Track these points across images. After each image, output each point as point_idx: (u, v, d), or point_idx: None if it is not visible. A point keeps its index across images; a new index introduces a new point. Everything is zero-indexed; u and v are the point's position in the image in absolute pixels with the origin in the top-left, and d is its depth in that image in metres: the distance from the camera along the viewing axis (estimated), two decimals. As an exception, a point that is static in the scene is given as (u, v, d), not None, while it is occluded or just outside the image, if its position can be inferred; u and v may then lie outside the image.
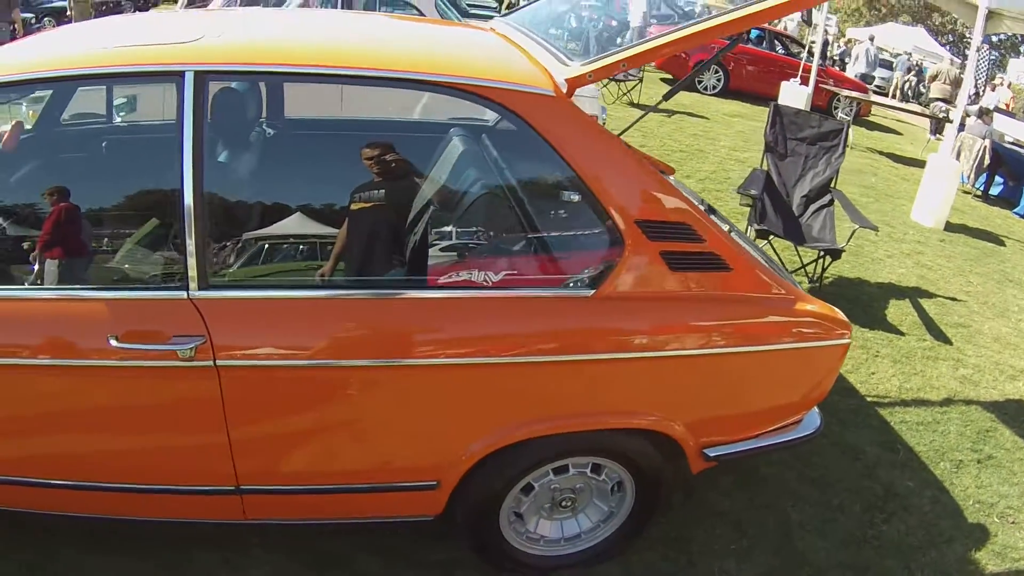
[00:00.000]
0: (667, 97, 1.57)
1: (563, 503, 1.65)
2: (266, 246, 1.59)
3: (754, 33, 9.34)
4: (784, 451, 2.13)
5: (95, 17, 8.71)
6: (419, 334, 1.35)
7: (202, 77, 1.35)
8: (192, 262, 1.34)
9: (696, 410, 1.60)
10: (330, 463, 1.49)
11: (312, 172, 1.78)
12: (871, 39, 11.72)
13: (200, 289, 1.35)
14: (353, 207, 1.59)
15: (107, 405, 1.46)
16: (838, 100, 8.52)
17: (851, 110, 7.95)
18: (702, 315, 1.51)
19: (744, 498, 2.13)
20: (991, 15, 4.67)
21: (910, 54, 12.65)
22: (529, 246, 1.50)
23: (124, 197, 1.68)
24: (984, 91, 8.49)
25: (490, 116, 2.32)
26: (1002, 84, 9.35)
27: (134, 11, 11.96)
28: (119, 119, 2.35)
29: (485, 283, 1.39)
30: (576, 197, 1.38)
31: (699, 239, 1.48)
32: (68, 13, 8.42)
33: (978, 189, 6.39)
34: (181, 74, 1.36)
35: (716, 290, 1.54)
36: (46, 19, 8.90)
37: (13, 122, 1.93)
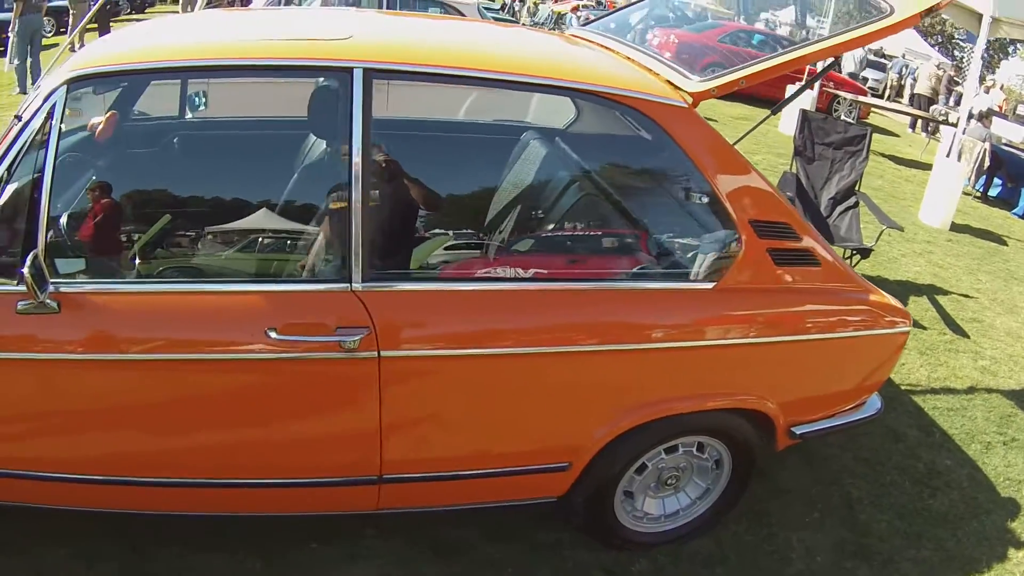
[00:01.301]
0: (775, 111, 1.81)
1: (668, 481, 1.87)
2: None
3: (757, 38, 9.67)
4: (837, 434, 2.38)
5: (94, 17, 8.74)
6: (563, 323, 1.53)
7: (370, 74, 1.45)
8: (357, 255, 1.45)
9: (788, 391, 1.84)
10: (473, 449, 1.63)
11: (434, 169, 1.94)
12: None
13: (364, 281, 1.46)
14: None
15: (259, 399, 1.55)
16: (838, 103, 8.91)
17: (852, 112, 8.33)
18: (800, 306, 1.76)
19: (808, 476, 2.38)
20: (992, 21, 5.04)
21: (904, 56, 13.20)
22: (649, 243, 1.71)
23: (282, 190, 1.81)
24: (976, 93, 8.96)
25: (561, 121, 2.55)
26: (994, 86, 9.87)
27: (130, 11, 11.91)
28: (191, 115, 2.49)
29: (617, 276, 1.60)
30: (704, 199, 1.60)
31: (797, 237, 1.72)
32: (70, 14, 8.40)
33: (978, 190, 6.81)
34: (350, 71, 1.45)
35: (808, 283, 1.77)
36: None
37: (109, 113, 1.96)
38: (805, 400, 1.90)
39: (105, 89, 1.85)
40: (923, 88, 9.02)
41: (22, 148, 1.46)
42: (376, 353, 1.44)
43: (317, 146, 2.06)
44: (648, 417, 1.61)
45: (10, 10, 6.58)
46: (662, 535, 1.93)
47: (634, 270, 1.62)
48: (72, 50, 8.54)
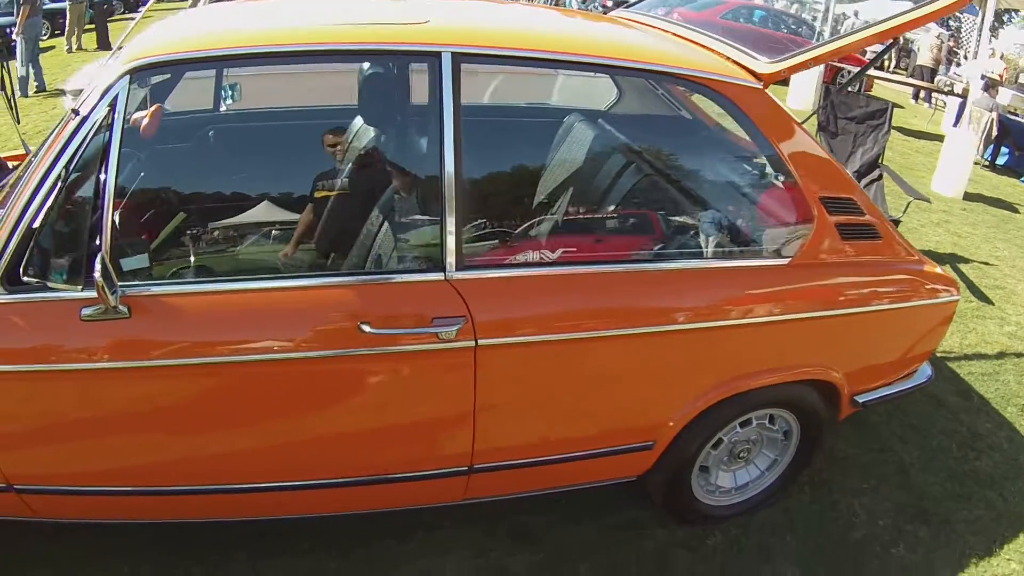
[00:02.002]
0: (842, 87, 1.86)
1: (740, 454, 1.96)
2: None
3: (758, 14, 9.70)
4: (884, 403, 2.47)
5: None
6: (652, 303, 1.58)
7: (459, 58, 1.44)
8: (451, 243, 1.44)
9: (853, 361, 1.92)
10: (561, 434, 1.67)
11: (505, 153, 1.95)
12: (856, 14, 12.26)
13: (458, 270, 1.46)
14: None
15: (351, 396, 1.53)
16: (842, 75, 8.96)
17: (857, 85, 8.39)
18: (866, 278, 1.82)
19: (861, 445, 2.48)
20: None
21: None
22: (721, 221, 1.76)
23: (368, 179, 1.81)
24: (973, 59, 9.03)
25: (594, 102, 2.59)
26: (993, 55, 9.97)
27: (123, 11, 11.76)
28: (225, 107, 2.49)
29: (696, 255, 1.66)
30: (780, 178, 1.66)
31: (861, 212, 1.79)
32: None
33: (986, 159, 6.92)
34: (438, 55, 1.44)
35: (871, 256, 1.85)
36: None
37: (154, 106, 1.93)
38: (867, 369, 1.98)
39: (170, 78, 1.83)
40: (925, 59, 9.11)
41: (81, 144, 1.41)
42: (473, 342, 1.45)
43: (364, 133, 2.06)
44: (729, 392, 1.68)
45: (6, 14, 6.51)
46: (733, 507, 2.02)
47: (712, 248, 1.68)
48: (68, 51, 8.49)
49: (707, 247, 1.68)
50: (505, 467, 1.65)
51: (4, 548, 1.78)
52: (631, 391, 1.66)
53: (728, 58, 1.72)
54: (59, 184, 1.40)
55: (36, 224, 1.38)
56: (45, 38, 7.84)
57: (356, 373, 1.49)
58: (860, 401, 2.00)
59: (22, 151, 2.70)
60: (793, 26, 10.54)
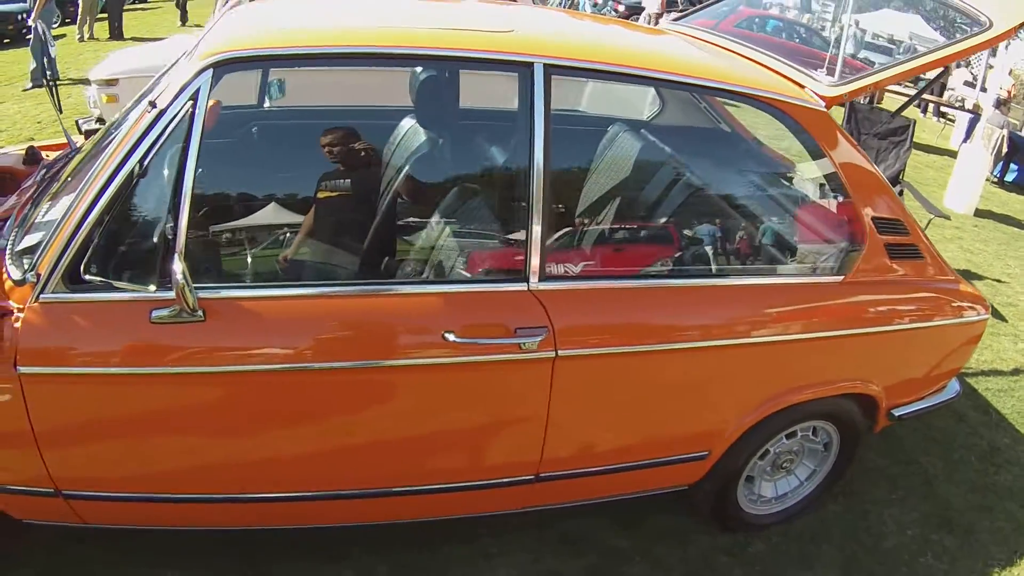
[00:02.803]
0: (899, 111, 1.95)
1: (783, 464, 2.06)
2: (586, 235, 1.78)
3: (771, 24, 9.80)
4: (917, 416, 2.57)
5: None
6: (717, 317, 1.66)
7: (550, 69, 1.48)
8: (535, 254, 1.48)
9: (892, 376, 2.03)
10: (625, 443, 1.73)
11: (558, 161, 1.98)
12: (856, 23, 12.39)
13: (541, 281, 1.51)
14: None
15: (430, 404, 1.55)
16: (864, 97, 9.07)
17: (867, 98, 8.52)
18: (911, 296, 1.92)
19: (889, 456, 2.59)
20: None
21: (911, 39, 13.41)
22: (782, 238, 1.85)
23: (449, 188, 1.83)
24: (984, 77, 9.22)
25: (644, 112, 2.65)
26: (1002, 70, 10.16)
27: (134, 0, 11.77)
28: (268, 104, 2.51)
29: (759, 271, 1.74)
30: (839, 197, 1.75)
31: (907, 232, 1.89)
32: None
33: (995, 176, 7.07)
34: (531, 65, 1.48)
35: (915, 275, 1.94)
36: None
37: (212, 101, 1.98)
38: (904, 384, 2.09)
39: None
40: (933, 73, 9.24)
41: (158, 139, 1.39)
42: (553, 353, 1.49)
43: (414, 135, 2.07)
44: (782, 405, 1.79)
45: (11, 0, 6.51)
46: (773, 516, 2.13)
47: (774, 265, 1.76)
48: (80, 40, 8.48)
49: (768, 263, 1.76)
50: (569, 476, 1.71)
51: (57, 553, 1.82)
52: (693, 402, 1.75)
53: (791, 79, 1.81)
54: (133, 179, 1.39)
55: (101, 220, 1.36)
56: (56, 26, 7.84)
57: (437, 382, 1.52)
58: (896, 415, 2.11)
59: (48, 140, 2.72)
60: (805, 36, 10.69)
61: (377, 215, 1.86)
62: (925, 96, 9.62)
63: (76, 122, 4.61)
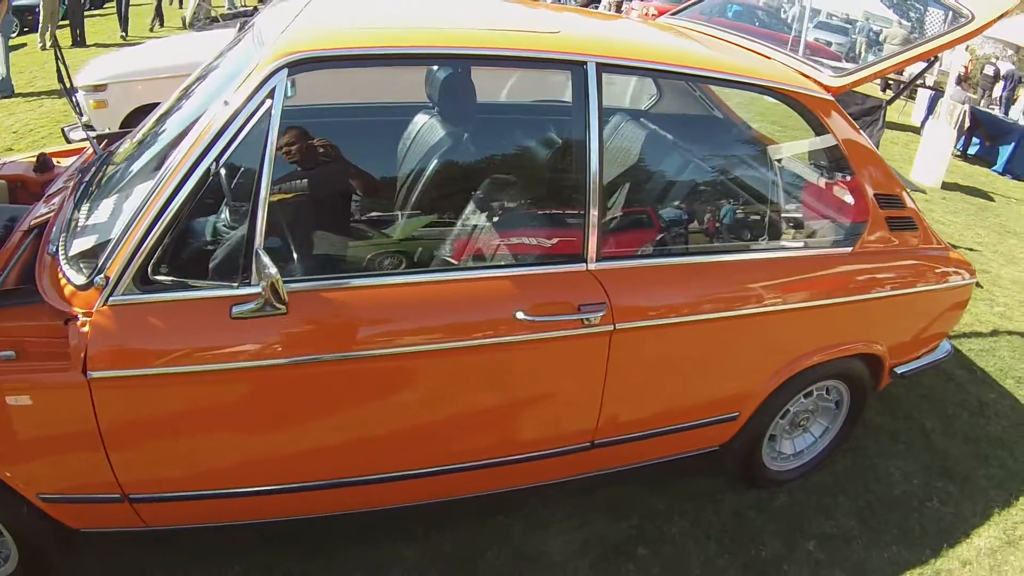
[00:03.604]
0: (892, 100, 2.16)
1: (800, 423, 2.26)
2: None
3: (732, 9, 10.09)
4: (917, 373, 2.80)
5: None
6: (750, 288, 1.83)
7: (601, 68, 1.60)
8: (592, 237, 1.61)
9: (895, 337, 2.26)
10: (668, 407, 1.89)
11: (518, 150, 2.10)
12: (810, 5, 12.84)
13: (597, 261, 1.65)
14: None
15: (501, 380, 1.65)
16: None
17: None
18: (910, 264, 2.14)
19: (887, 414, 2.84)
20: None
21: (867, 19, 13.97)
22: (802, 214, 2.04)
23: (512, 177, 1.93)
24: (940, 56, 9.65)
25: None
26: (960, 48, 10.67)
27: (89, 7, 11.46)
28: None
29: (783, 246, 1.93)
30: (848, 177, 1.95)
31: (904, 206, 2.10)
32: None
33: (958, 149, 7.49)
34: (584, 64, 1.59)
35: (911, 245, 2.16)
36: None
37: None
38: (904, 344, 2.31)
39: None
40: (888, 53, 9.66)
41: (234, 137, 1.42)
42: (611, 327, 1.64)
43: (432, 129, 2.14)
44: (804, 366, 1.98)
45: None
46: (792, 472, 2.34)
47: (792, 238, 1.96)
48: (43, 48, 8.29)
49: (790, 238, 1.95)
50: (620, 441, 1.86)
51: (112, 559, 1.87)
52: (728, 367, 1.92)
53: (799, 71, 2.00)
54: (208, 177, 1.42)
55: (176, 219, 1.39)
56: (15, 36, 7.65)
57: (509, 359, 1.62)
58: (899, 372, 2.33)
59: (56, 147, 2.72)
60: (765, 19, 11.06)
61: (408, 206, 1.95)
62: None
63: (62, 129, 4.58)
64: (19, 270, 1.67)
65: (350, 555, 1.94)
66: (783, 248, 1.94)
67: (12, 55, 6.64)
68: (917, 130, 8.73)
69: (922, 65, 2.94)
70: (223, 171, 1.49)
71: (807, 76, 1.99)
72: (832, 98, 1.92)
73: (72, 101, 2.35)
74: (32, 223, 1.85)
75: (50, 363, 1.44)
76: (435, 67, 2.11)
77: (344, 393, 1.58)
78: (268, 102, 1.43)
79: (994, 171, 7.19)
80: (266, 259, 1.34)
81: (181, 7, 13.60)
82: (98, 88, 4.24)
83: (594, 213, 1.62)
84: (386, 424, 1.64)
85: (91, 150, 2.40)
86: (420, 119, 2.28)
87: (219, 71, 2.06)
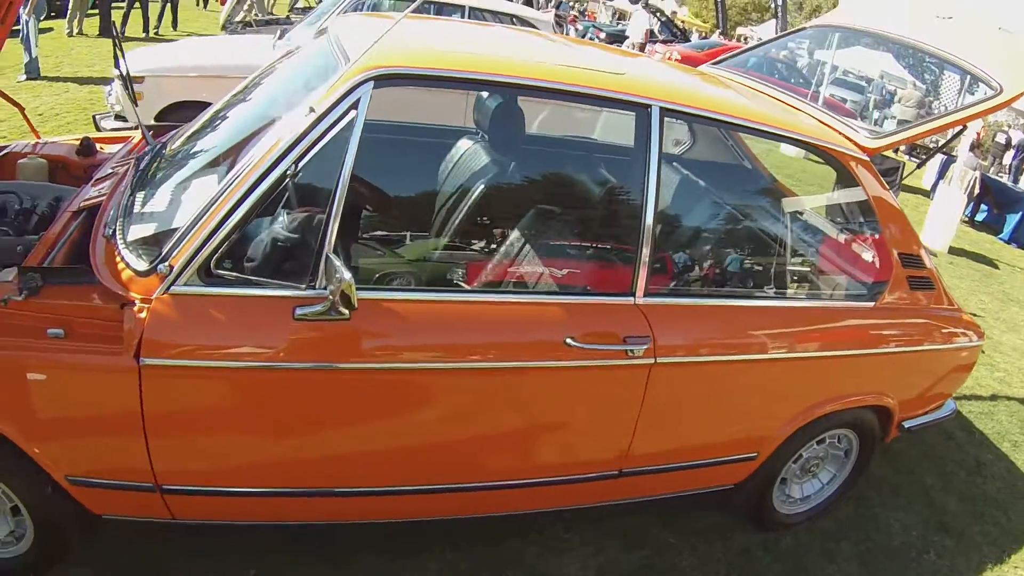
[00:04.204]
0: (921, 165, 2.34)
1: (810, 468, 2.39)
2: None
3: (752, 62, 10.44)
4: (922, 428, 2.93)
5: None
6: (782, 333, 1.96)
7: (664, 112, 1.72)
8: (643, 273, 1.72)
9: (905, 391, 2.40)
10: (696, 442, 2.00)
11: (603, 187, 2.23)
12: (832, 67, 13.30)
13: (645, 296, 1.75)
14: None
15: (543, 403, 1.73)
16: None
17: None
18: (926, 322, 2.30)
19: (889, 468, 2.96)
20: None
21: (882, 78, 14.41)
22: (834, 267, 2.19)
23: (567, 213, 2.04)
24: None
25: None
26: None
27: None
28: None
29: (817, 295, 2.10)
30: (875, 234, 2.10)
31: (923, 266, 2.26)
32: None
33: (966, 216, 7.74)
34: (649, 107, 1.72)
35: (928, 304, 2.31)
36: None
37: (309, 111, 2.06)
38: (913, 399, 2.46)
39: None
40: (908, 115, 10.01)
41: (315, 142, 1.48)
42: (653, 360, 1.74)
43: (476, 155, 2.23)
44: (821, 412, 2.13)
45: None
46: (798, 516, 2.47)
47: (820, 290, 2.13)
48: (69, 34, 8.47)
49: (819, 289, 2.10)
50: (646, 472, 1.96)
51: (127, 551, 1.90)
52: (754, 407, 2.05)
53: (835, 129, 2.18)
54: (285, 179, 1.48)
55: (248, 217, 1.43)
56: (42, 19, 7.83)
57: (555, 382, 1.71)
58: (906, 426, 2.47)
59: (93, 134, 2.77)
60: (784, 72, 11.44)
61: (449, 228, 2.01)
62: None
63: (93, 117, 4.71)
64: (67, 250, 1.72)
65: (370, 564, 2.01)
66: (813, 298, 2.10)
67: (39, 38, 6.79)
68: (927, 193, 9.01)
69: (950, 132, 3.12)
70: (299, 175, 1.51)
71: (844, 136, 2.16)
72: (868, 158, 2.09)
73: (129, 89, 2.40)
74: (82, 205, 1.90)
75: (101, 345, 1.47)
76: (485, 94, 2.25)
77: (393, 403, 1.64)
78: (352, 112, 1.51)
79: (1000, 239, 7.45)
80: (339, 264, 1.40)
81: (205, 7, 13.93)
82: (135, 80, 4.29)
83: (646, 251, 1.74)
84: (427, 436, 1.71)
85: (136, 139, 2.51)
86: (463, 144, 2.41)
87: (288, 76, 2.21)
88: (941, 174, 8.16)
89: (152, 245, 1.56)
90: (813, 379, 2.07)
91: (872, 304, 2.14)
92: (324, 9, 4.78)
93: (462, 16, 5.15)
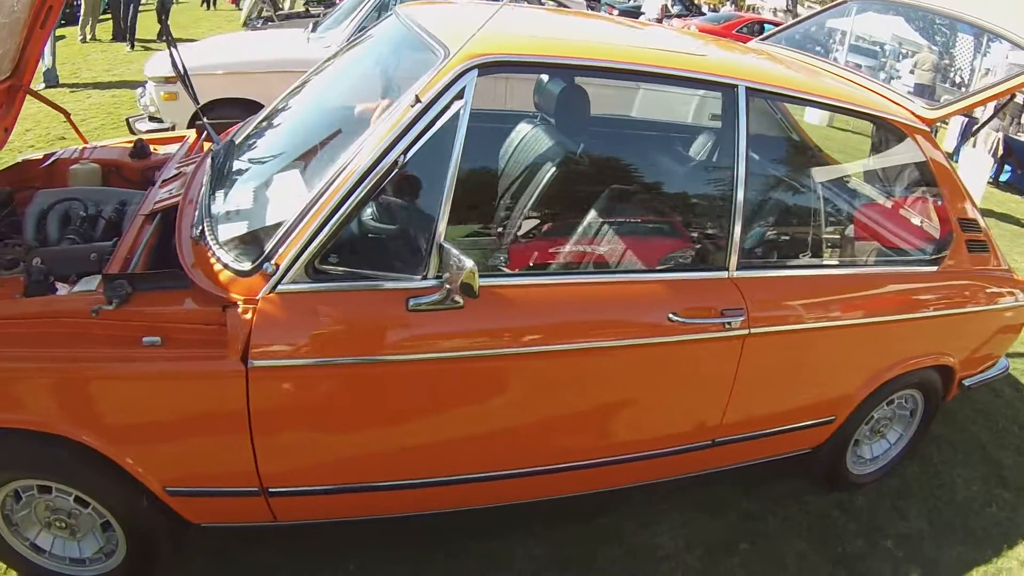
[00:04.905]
0: (965, 139, 2.45)
1: (879, 429, 2.52)
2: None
3: (768, 28, 10.50)
4: (982, 385, 3.03)
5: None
6: (862, 298, 2.08)
7: (750, 92, 1.82)
8: (735, 247, 1.81)
9: (965, 351, 2.54)
10: (780, 408, 2.10)
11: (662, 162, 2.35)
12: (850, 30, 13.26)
13: (738, 270, 1.84)
14: None
15: (649, 379, 1.79)
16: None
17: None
18: (983, 283, 2.42)
19: (945, 427, 3.09)
20: None
21: (900, 44, 14.35)
22: (907, 232, 2.32)
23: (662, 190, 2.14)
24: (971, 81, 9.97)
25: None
26: (988, 74, 11.03)
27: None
28: None
29: (885, 261, 2.22)
30: (938, 201, 2.22)
31: (980, 230, 2.38)
32: None
33: (990, 177, 7.81)
34: (735, 87, 1.80)
35: (984, 266, 2.42)
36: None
37: (386, 101, 1.93)
38: (971, 358, 2.60)
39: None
40: (924, 78, 10.01)
41: (422, 132, 1.49)
42: (747, 331, 1.84)
43: (539, 138, 2.29)
44: (893, 374, 2.26)
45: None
46: (868, 476, 2.62)
47: (892, 256, 2.24)
48: (83, 40, 8.54)
49: (891, 255, 2.24)
50: (737, 440, 2.08)
51: (226, 558, 1.94)
52: (836, 372, 2.17)
53: (893, 101, 2.29)
54: (393, 171, 1.48)
55: (357, 210, 1.43)
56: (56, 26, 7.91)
57: (660, 358, 1.78)
58: (966, 384, 2.60)
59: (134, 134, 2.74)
60: (800, 40, 11.46)
61: (520, 210, 2.06)
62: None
63: (127, 120, 4.79)
64: (148, 254, 1.73)
65: (469, 549, 2.10)
66: (883, 264, 2.23)
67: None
68: (949, 156, 9.04)
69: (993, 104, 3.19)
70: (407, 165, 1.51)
71: (903, 106, 2.27)
72: (928, 128, 2.20)
73: (190, 89, 2.30)
74: (155, 207, 1.90)
75: (204, 350, 1.46)
76: (546, 78, 2.28)
77: (507, 387, 1.69)
78: (458, 102, 1.52)
79: (1025, 199, 7.55)
80: (458, 253, 1.41)
81: (211, 7, 13.89)
82: (169, 80, 4.34)
83: (738, 226, 1.83)
84: (537, 419, 1.77)
85: (192, 139, 2.54)
86: (523, 128, 2.43)
87: (363, 67, 2.25)
88: (964, 136, 8.21)
89: (249, 244, 1.57)
90: (886, 342, 2.20)
91: (936, 268, 2.27)
92: (347, 8, 4.83)
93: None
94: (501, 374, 1.68)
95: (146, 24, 9.65)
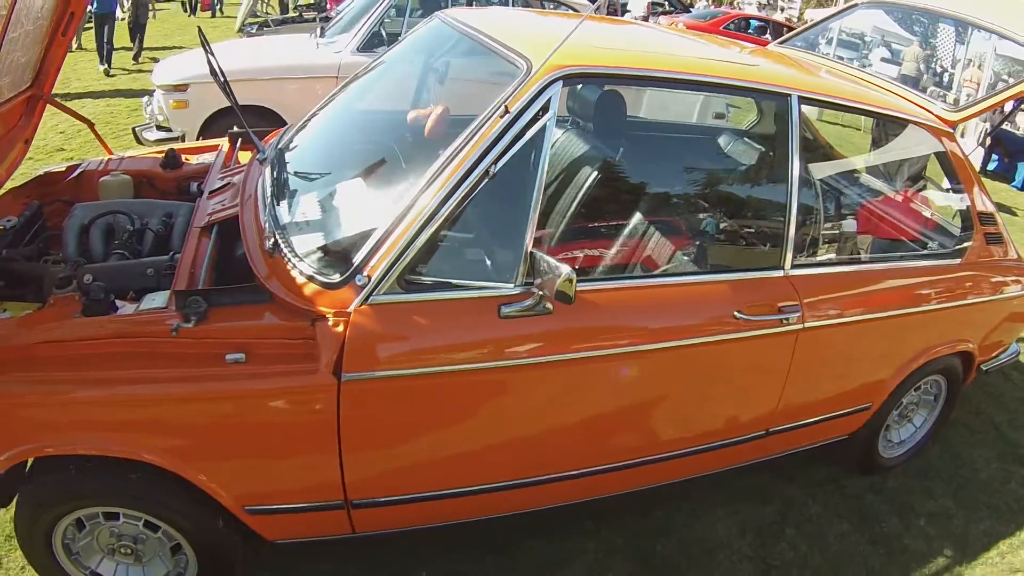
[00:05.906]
0: (990, 133, 2.65)
1: (907, 413, 2.72)
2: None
3: (754, 24, 10.82)
4: (998, 368, 3.24)
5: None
6: (895, 292, 2.26)
7: (801, 100, 1.97)
8: (790, 246, 1.96)
9: (984, 337, 2.75)
10: (827, 396, 2.26)
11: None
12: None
13: (792, 268, 2.00)
14: None
15: (715, 374, 1.91)
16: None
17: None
18: (1000, 273, 2.63)
19: (961, 408, 3.30)
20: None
21: (883, 37, 14.77)
22: (932, 229, 2.54)
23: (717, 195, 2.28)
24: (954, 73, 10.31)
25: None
26: (971, 65, 11.39)
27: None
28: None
29: (914, 255, 2.41)
30: (963, 200, 2.41)
31: (995, 223, 2.58)
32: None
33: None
34: (788, 96, 1.95)
35: (1000, 257, 2.63)
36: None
37: (440, 107, 2.08)
38: (988, 344, 2.82)
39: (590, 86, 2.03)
40: (910, 70, 10.36)
41: (512, 142, 1.54)
42: (801, 326, 1.98)
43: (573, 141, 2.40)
44: (924, 361, 2.46)
45: None
46: (896, 459, 2.82)
47: (923, 250, 2.44)
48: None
49: (920, 250, 2.45)
50: (788, 429, 2.23)
51: (287, 567, 1.99)
52: (875, 362, 2.35)
53: (916, 103, 2.48)
54: (484, 181, 1.52)
55: (449, 220, 1.48)
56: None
57: (726, 354, 1.91)
58: (984, 368, 2.81)
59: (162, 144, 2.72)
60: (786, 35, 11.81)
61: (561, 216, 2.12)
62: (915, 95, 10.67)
63: (133, 130, 4.79)
64: (212, 268, 1.74)
65: (530, 549, 2.21)
66: (916, 259, 2.42)
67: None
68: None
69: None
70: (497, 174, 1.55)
71: (928, 110, 2.47)
72: (951, 130, 2.40)
73: (230, 95, 2.27)
74: (211, 220, 1.92)
75: (294, 365, 1.46)
76: (579, 86, 2.27)
77: (588, 389, 1.76)
78: (544, 112, 1.58)
79: (1013, 187, 7.86)
80: (553, 260, 1.46)
81: (193, 14, 13.79)
82: (178, 88, 4.40)
83: (792, 227, 1.99)
84: (616, 418, 1.86)
85: (226, 147, 2.53)
86: (556, 132, 2.58)
87: (415, 73, 2.34)
88: (985, 135, 8.51)
89: (333, 255, 1.59)
90: (917, 331, 2.40)
91: (959, 260, 2.47)
92: (356, 12, 4.93)
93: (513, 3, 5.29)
94: (587, 376, 1.74)
95: (124, 39, 9.44)
